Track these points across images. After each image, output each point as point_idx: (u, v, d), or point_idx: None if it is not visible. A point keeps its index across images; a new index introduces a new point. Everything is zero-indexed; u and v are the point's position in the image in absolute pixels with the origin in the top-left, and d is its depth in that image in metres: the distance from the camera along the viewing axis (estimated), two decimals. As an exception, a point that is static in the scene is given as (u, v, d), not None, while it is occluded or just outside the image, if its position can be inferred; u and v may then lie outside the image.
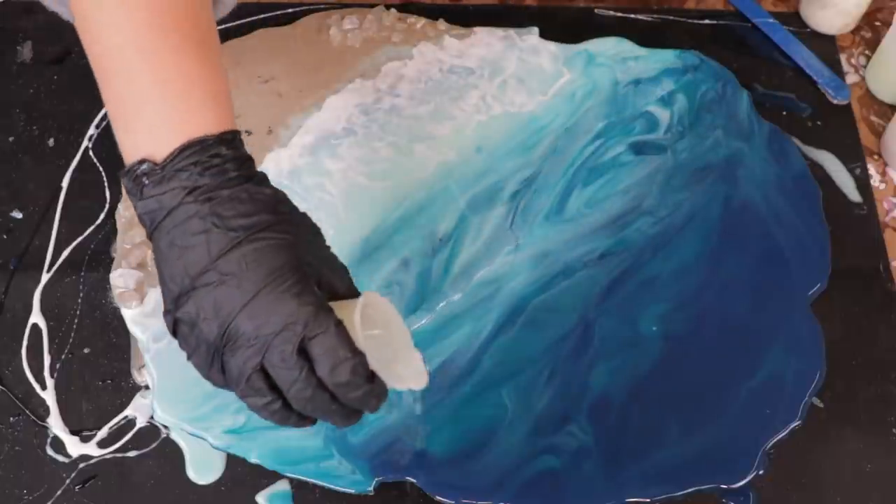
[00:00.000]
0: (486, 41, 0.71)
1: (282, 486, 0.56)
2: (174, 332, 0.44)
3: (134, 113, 0.44)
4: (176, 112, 0.44)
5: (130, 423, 0.58)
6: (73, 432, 0.58)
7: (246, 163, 0.45)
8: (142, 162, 0.43)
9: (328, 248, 0.48)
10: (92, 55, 0.46)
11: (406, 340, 0.48)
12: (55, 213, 0.66)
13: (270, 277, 0.42)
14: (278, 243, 0.43)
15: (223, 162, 0.43)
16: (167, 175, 0.43)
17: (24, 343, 0.61)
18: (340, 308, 0.45)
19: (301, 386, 0.42)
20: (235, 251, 0.42)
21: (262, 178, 0.45)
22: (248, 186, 0.44)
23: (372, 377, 0.44)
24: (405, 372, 0.47)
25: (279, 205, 0.45)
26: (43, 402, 0.59)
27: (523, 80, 0.70)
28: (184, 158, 0.43)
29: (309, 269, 0.44)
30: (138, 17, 0.44)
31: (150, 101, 0.44)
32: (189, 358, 0.45)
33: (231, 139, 0.44)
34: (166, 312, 0.44)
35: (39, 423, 0.58)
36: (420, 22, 0.73)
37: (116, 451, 0.57)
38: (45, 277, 0.63)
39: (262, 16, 0.74)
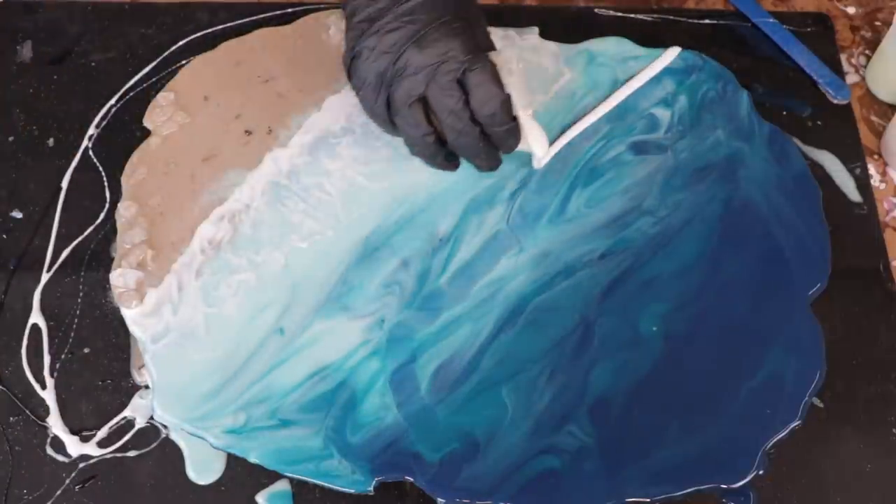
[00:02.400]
0: (486, 41, 0.71)
1: (282, 486, 0.56)
2: (349, 72, 0.55)
3: None
4: None
5: (130, 423, 0.58)
6: (73, 432, 0.58)
7: None
8: None
9: (486, 26, 0.57)
10: None
11: (526, 112, 0.57)
12: (55, 213, 0.66)
13: (440, 20, 0.52)
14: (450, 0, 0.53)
15: None
16: None
17: (24, 343, 0.61)
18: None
19: (456, 115, 0.53)
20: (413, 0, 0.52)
21: None
22: None
23: (514, 118, 0.55)
24: (531, 133, 0.58)
25: None
26: (43, 401, 0.59)
27: (524, 80, 0.69)
28: None
29: (471, 28, 0.54)
30: None
31: None
32: (358, 93, 0.56)
33: None
34: (345, 53, 0.55)
35: (39, 422, 0.58)
36: (420, 22, 0.72)
37: (116, 450, 0.57)
38: (44, 277, 0.63)
39: (262, 16, 0.74)
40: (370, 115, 0.57)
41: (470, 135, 0.55)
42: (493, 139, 0.56)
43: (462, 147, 0.56)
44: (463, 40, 0.53)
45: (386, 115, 0.56)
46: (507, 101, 0.54)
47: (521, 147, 0.59)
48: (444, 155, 0.57)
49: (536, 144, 0.60)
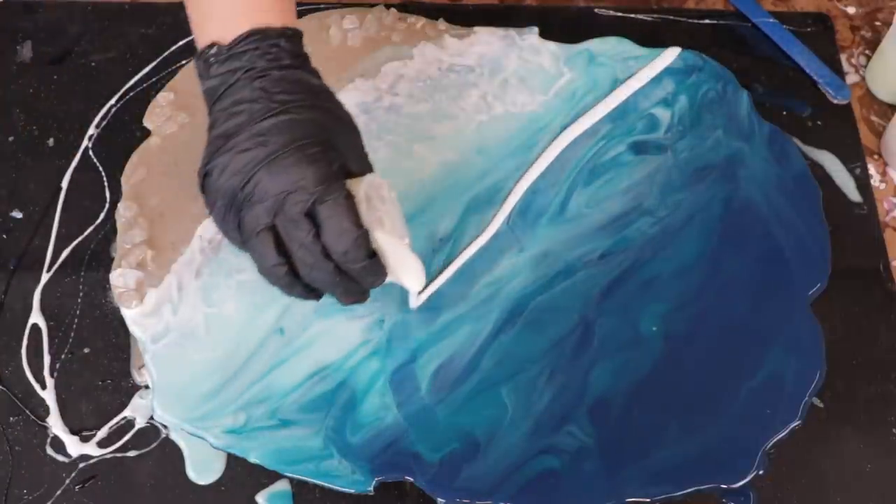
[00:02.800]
0: (486, 41, 0.71)
1: (282, 486, 0.56)
2: (202, 186, 0.50)
3: (207, 8, 0.51)
4: (245, 5, 0.51)
5: (130, 423, 0.58)
6: (73, 432, 0.58)
7: (301, 58, 0.51)
8: (211, 46, 0.50)
9: (363, 148, 0.53)
10: None
11: (404, 238, 0.51)
12: (55, 213, 0.66)
13: (295, 143, 0.47)
14: (311, 119, 0.49)
15: (280, 52, 0.50)
16: (231, 56, 0.49)
17: (24, 343, 0.61)
18: (350, 186, 0.49)
19: (306, 249, 0.47)
20: (272, 118, 0.48)
21: (314, 73, 0.52)
22: (297, 73, 0.50)
23: (373, 254, 0.49)
24: (403, 265, 0.51)
25: (322, 94, 0.51)
26: (43, 401, 0.59)
27: (524, 80, 0.70)
28: (247, 44, 0.49)
29: (334, 152, 0.49)
30: None
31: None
32: (210, 212, 0.50)
33: (291, 35, 0.51)
34: (199, 168, 0.50)
35: (39, 422, 0.58)
36: (420, 22, 0.72)
37: (116, 450, 0.57)
38: (44, 277, 0.63)
39: (262, 16, 0.74)
40: (224, 236, 0.51)
41: (323, 270, 0.48)
42: (350, 275, 0.50)
43: (316, 281, 0.50)
44: (318, 167, 0.47)
45: (239, 237, 0.50)
46: (361, 237, 0.48)
47: (391, 280, 0.52)
48: (301, 285, 0.50)
49: (409, 279, 0.52)
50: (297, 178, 0.47)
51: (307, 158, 0.47)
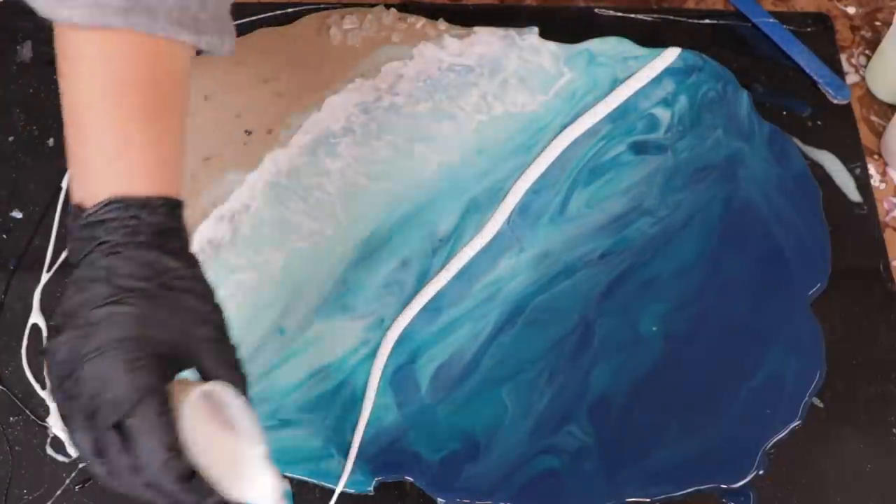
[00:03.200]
0: (486, 41, 0.71)
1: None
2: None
3: (77, 161, 0.46)
4: (109, 169, 0.45)
5: (130, 423, 0.58)
6: (73, 432, 0.58)
7: (164, 234, 0.45)
8: (75, 207, 0.45)
9: (222, 342, 0.46)
10: (61, 95, 0.47)
11: (254, 451, 0.45)
12: (55, 213, 0.66)
13: (118, 344, 0.42)
14: (148, 314, 0.43)
15: (140, 225, 0.44)
16: (88, 224, 0.44)
17: (24, 343, 0.61)
18: (185, 391, 0.43)
19: (112, 464, 0.42)
20: (106, 308, 0.42)
21: (178, 252, 0.45)
22: (152, 253, 0.44)
23: (190, 476, 0.41)
24: (244, 484, 0.44)
25: (177, 281, 0.44)
26: (43, 401, 0.59)
27: (524, 80, 0.70)
28: (105, 213, 0.44)
29: (164, 356, 0.43)
30: (100, 80, 0.45)
31: (91, 155, 0.45)
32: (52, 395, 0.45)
33: (158, 206, 0.45)
34: (46, 342, 0.44)
35: (39, 423, 0.58)
36: (420, 22, 0.72)
37: (116, 451, 0.57)
38: (44, 277, 0.63)
39: (262, 16, 0.74)
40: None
41: (134, 486, 0.42)
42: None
43: (136, 497, 0.43)
44: (134, 376, 0.41)
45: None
46: (172, 460, 0.41)
47: (234, 497, 0.43)
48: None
49: (259, 496, 0.45)
50: (110, 385, 0.41)
51: (125, 364, 0.41)
